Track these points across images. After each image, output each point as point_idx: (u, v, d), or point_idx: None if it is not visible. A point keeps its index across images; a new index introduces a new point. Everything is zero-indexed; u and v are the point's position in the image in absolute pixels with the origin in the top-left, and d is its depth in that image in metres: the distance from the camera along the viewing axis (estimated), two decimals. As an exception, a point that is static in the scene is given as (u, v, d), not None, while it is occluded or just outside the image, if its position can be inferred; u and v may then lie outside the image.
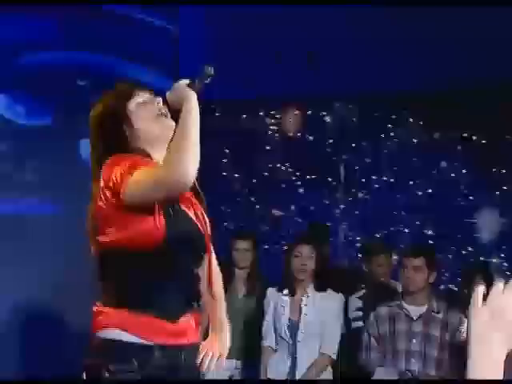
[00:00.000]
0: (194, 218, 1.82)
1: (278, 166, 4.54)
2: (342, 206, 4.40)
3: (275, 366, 3.00)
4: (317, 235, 3.69)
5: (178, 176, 1.60)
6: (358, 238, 4.31)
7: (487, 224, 4.02)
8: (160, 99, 1.78)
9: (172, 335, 1.77)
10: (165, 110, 1.78)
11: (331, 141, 4.42)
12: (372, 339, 3.03)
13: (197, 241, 1.81)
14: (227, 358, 2.80)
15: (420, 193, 4.23)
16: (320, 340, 3.00)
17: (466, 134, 4.12)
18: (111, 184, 1.64)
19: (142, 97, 1.80)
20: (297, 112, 4.53)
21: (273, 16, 4.20)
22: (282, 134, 4.56)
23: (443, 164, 4.16)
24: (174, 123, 1.73)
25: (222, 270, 2.19)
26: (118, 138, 1.76)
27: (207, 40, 4.36)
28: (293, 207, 4.49)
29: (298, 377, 2.91)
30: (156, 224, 1.68)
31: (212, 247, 1.90)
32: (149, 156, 1.76)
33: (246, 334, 3.32)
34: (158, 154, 1.76)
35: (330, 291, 3.06)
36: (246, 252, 3.56)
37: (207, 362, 1.93)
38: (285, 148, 4.55)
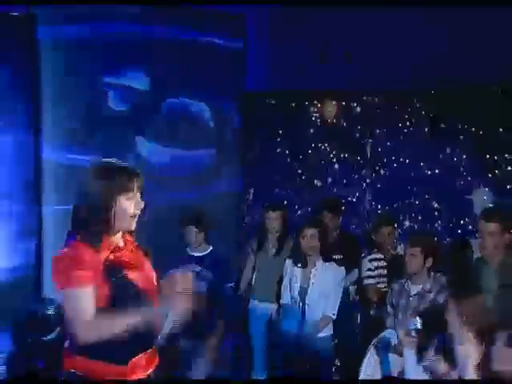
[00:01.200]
0: (137, 279, 2.20)
1: (319, 145, 5.69)
2: (367, 180, 5.50)
3: (289, 320, 4.09)
4: (331, 207, 4.83)
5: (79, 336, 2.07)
6: (379, 206, 5.42)
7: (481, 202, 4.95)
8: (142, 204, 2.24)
9: (120, 375, 2.13)
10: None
11: (359, 127, 5.48)
12: (388, 307, 3.75)
13: (141, 298, 2.16)
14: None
15: (429, 172, 5.23)
16: (323, 303, 3.97)
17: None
18: None
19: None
20: (334, 103, 5.59)
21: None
22: (323, 120, 5.66)
23: (448, 150, 5.11)
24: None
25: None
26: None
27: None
28: (330, 179, 5.66)
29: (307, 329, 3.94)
30: (102, 294, 2.08)
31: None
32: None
33: (276, 285, 4.38)
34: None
35: (334, 265, 4.04)
36: (276, 220, 4.61)
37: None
38: (324, 131, 5.66)
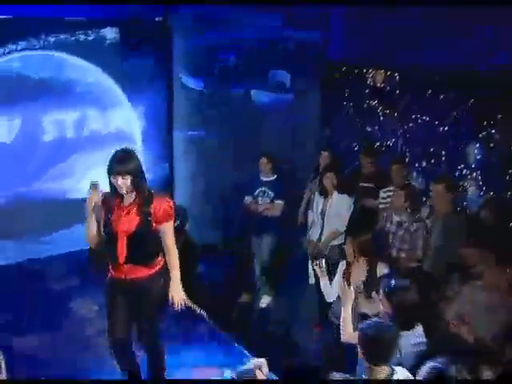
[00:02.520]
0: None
1: (371, 103, 7.60)
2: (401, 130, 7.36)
3: (312, 230, 6.29)
4: (367, 150, 6.85)
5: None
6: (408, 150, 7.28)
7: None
8: None
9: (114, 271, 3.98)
10: None
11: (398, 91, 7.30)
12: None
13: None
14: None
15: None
16: (336, 221, 6.01)
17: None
18: None
19: None
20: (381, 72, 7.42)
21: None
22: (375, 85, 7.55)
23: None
24: None
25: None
26: None
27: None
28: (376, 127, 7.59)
29: (323, 239, 6.07)
30: None
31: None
32: None
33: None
34: None
35: (345, 196, 6.05)
36: (324, 160, 6.82)
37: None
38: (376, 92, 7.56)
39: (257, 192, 6.64)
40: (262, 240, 6.63)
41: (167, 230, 3.98)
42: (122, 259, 3.90)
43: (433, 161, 7.01)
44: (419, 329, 3.55)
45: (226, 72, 7.38)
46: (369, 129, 7.72)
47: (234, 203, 6.97)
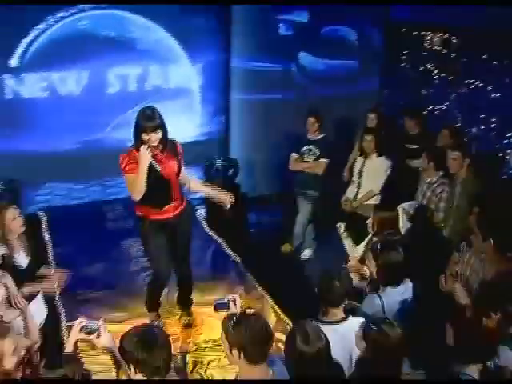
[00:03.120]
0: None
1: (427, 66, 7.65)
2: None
3: (350, 188, 6.61)
4: (411, 113, 6.96)
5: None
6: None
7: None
8: None
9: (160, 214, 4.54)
10: None
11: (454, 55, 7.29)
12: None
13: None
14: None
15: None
16: (371, 182, 6.34)
17: None
18: None
19: None
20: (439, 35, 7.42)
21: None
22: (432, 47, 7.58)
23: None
24: None
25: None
26: None
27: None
28: (431, 90, 7.63)
29: (358, 198, 6.48)
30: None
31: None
32: None
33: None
34: None
35: (383, 159, 6.29)
36: (372, 121, 7.03)
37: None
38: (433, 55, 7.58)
39: (303, 149, 6.94)
40: (305, 195, 6.97)
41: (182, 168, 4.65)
42: (176, 196, 4.57)
43: (483, 127, 7.06)
44: (403, 287, 3.81)
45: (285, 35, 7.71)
46: (424, 91, 7.80)
47: (285, 158, 7.28)
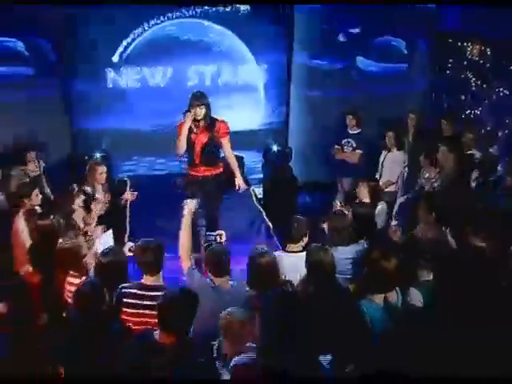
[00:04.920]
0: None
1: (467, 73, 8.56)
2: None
3: (376, 176, 7.83)
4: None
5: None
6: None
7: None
8: None
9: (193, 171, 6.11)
10: None
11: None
12: None
13: None
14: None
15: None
16: (389, 173, 7.53)
17: None
18: None
19: None
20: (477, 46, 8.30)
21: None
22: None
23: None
24: None
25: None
26: None
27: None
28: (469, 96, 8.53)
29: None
30: None
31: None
32: None
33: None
34: None
35: (401, 153, 7.43)
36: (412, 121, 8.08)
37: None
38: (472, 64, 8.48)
39: (343, 141, 8.17)
40: (342, 181, 8.20)
41: (226, 143, 6.15)
42: (197, 161, 6.06)
43: (506, 131, 7.92)
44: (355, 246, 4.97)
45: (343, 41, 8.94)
46: (462, 97, 8.72)
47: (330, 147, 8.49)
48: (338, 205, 6.16)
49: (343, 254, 4.77)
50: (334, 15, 8.81)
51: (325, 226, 5.13)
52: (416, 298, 4.03)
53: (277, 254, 4.71)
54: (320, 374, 3.24)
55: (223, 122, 6.11)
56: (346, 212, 5.14)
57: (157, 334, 3.44)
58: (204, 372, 3.36)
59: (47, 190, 7.32)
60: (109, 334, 3.68)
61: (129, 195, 6.50)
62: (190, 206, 4.83)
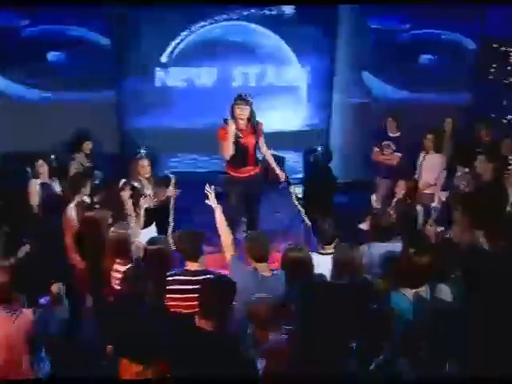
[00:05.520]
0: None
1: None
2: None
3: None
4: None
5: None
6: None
7: None
8: None
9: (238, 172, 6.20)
10: None
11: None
12: None
13: None
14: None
15: None
16: (428, 175, 7.71)
17: None
18: None
19: None
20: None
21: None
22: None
23: None
24: None
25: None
26: None
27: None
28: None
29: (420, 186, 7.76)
30: None
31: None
32: None
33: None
34: None
35: (440, 155, 7.61)
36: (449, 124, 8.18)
37: None
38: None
39: (383, 144, 8.29)
40: (380, 182, 8.33)
41: (263, 142, 6.41)
42: (250, 162, 6.28)
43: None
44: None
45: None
46: (504, 102, 8.76)
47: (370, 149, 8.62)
48: (374, 200, 6.33)
49: (379, 250, 4.94)
50: (379, 14, 8.91)
51: (362, 225, 5.28)
52: (445, 294, 4.18)
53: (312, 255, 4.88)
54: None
55: (261, 122, 6.35)
56: (386, 210, 5.27)
57: (197, 319, 3.62)
58: (239, 359, 3.52)
59: (97, 181, 7.74)
60: (149, 313, 3.94)
61: (171, 191, 6.77)
62: (218, 210, 5.06)
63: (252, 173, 6.38)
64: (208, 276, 4.13)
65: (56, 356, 3.72)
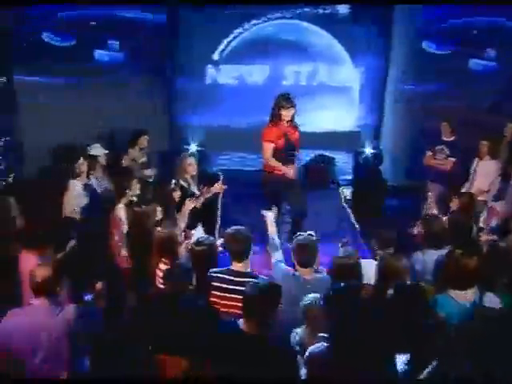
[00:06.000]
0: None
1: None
2: None
3: (467, 184, 7.70)
4: None
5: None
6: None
7: None
8: None
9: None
10: None
11: None
12: None
13: None
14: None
15: None
16: (481, 181, 7.44)
17: None
18: None
19: None
20: None
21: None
22: None
23: None
24: None
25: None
26: None
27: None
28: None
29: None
30: None
31: None
32: None
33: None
34: None
35: (494, 161, 7.36)
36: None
37: None
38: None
39: (437, 148, 8.07)
40: (431, 187, 8.11)
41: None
42: (295, 161, 6.32)
43: None
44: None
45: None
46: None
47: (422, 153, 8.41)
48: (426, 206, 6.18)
49: (432, 257, 4.78)
50: (436, 11, 8.68)
51: (414, 230, 5.15)
52: (494, 301, 4.05)
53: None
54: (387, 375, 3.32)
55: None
56: (440, 216, 5.13)
57: (241, 322, 3.63)
58: (281, 361, 3.50)
59: (149, 179, 7.76)
60: (194, 311, 3.94)
61: (217, 187, 6.66)
62: (270, 217, 5.13)
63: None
64: (250, 280, 4.09)
65: (95, 354, 3.73)
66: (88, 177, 6.74)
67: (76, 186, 6.48)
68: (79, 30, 8.41)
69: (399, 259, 4.30)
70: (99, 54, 8.68)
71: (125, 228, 5.64)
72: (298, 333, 3.95)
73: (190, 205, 5.83)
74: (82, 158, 6.59)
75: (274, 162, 6.30)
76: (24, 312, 3.95)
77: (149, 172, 7.63)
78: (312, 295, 3.98)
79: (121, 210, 5.81)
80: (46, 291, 3.91)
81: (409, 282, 4.20)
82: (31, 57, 8.25)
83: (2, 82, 7.88)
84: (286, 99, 6.10)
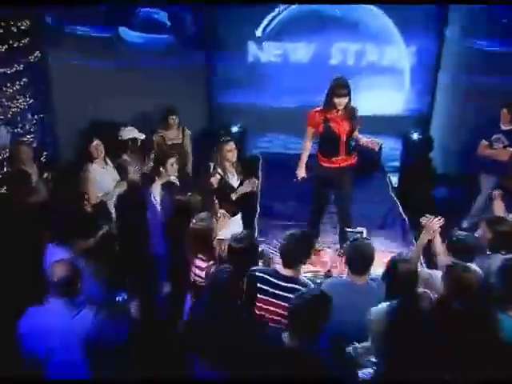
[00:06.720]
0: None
1: None
2: None
3: None
4: None
5: None
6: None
7: None
8: None
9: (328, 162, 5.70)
10: None
11: None
12: None
13: None
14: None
15: None
16: None
17: None
18: None
19: None
20: None
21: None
22: None
23: None
24: None
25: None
26: None
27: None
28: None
29: None
30: None
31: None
32: None
33: None
34: None
35: None
36: None
37: None
38: None
39: (493, 137, 7.48)
40: (485, 179, 7.55)
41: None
42: (341, 151, 5.74)
43: None
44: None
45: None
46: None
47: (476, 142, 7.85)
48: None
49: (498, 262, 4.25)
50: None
51: (479, 231, 4.64)
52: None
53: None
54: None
55: (356, 108, 5.80)
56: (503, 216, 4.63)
57: (286, 336, 3.36)
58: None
59: (189, 163, 7.39)
60: (239, 322, 3.64)
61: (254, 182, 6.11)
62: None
63: (345, 164, 5.84)
64: (299, 287, 3.70)
65: (115, 361, 3.41)
66: (105, 159, 6.23)
67: (94, 170, 6.07)
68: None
69: (473, 272, 3.81)
70: (136, 35, 8.37)
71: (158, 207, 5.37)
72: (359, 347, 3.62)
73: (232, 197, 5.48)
74: (95, 140, 6.10)
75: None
76: (39, 312, 3.68)
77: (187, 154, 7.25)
78: (377, 308, 3.62)
79: (157, 187, 5.49)
80: (63, 292, 3.62)
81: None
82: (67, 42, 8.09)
83: (37, 57, 7.53)
84: (340, 85, 5.58)
